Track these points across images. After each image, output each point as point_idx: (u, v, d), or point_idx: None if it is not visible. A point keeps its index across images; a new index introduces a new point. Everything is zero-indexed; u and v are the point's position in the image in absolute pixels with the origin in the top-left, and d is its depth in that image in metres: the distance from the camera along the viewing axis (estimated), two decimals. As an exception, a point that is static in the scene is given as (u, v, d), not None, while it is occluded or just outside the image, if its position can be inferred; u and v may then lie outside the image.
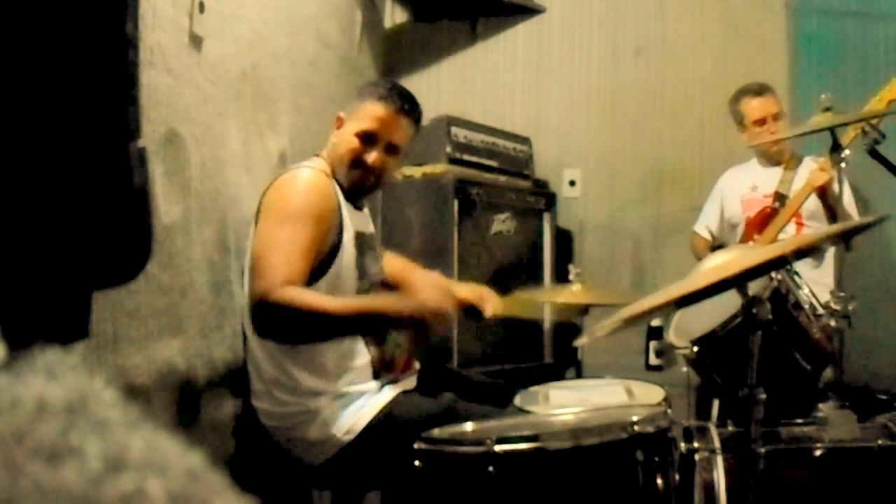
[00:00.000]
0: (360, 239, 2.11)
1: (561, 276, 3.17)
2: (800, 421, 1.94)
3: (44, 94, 0.58)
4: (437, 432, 1.67)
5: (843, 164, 2.51)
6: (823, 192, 2.97)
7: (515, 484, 1.52)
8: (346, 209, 2.09)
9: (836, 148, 2.53)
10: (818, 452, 1.83)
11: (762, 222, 3.24)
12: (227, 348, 2.05)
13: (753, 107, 3.28)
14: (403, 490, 1.90)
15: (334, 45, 3.13)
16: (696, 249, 3.44)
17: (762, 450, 1.61)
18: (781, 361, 2.10)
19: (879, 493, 1.80)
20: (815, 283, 2.43)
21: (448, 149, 3.46)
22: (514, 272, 3.52)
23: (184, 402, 1.83)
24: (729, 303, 1.90)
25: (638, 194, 4.07)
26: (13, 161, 0.57)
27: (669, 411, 1.73)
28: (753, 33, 4.00)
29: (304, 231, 1.93)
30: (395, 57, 4.17)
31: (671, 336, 2.35)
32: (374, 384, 2.08)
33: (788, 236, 3.10)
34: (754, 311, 1.57)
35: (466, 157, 3.54)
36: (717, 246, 3.30)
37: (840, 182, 2.60)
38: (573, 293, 2.48)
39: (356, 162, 2.07)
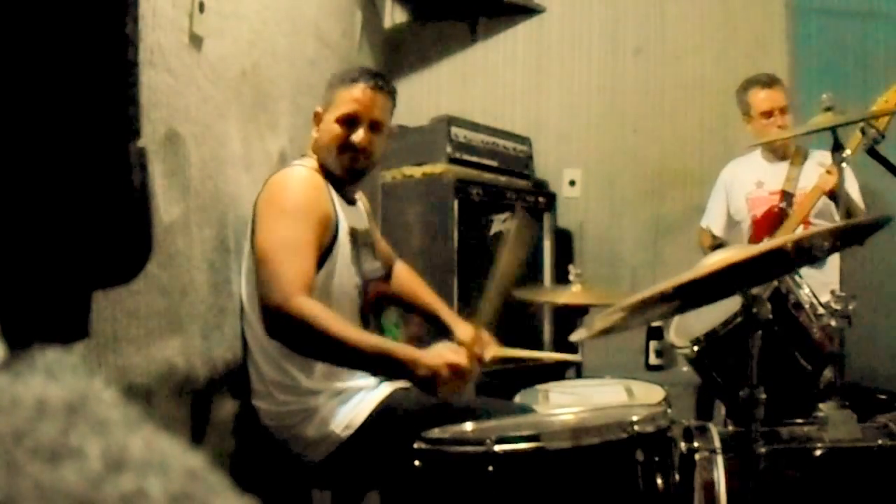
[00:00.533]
0: (354, 235, 2.12)
1: (561, 277, 3.18)
2: (800, 421, 1.94)
3: (43, 94, 0.58)
4: (437, 432, 1.67)
5: (843, 164, 2.51)
6: (833, 195, 2.95)
7: (515, 484, 1.52)
8: (340, 205, 2.09)
9: (836, 148, 2.53)
10: (818, 452, 1.83)
11: (770, 223, 3.23)
12: (227, 348, 2.05)
13: (761, 98, 3.27)
14: (403, 490, 1.90)
15: (334, 45, 3.13)
16: (703, 245, 3.43)
17: (762, 450, 1.61)
18: (782, 361, 2.10)
19: (879, 493, 1.80)
20: (819, 283, 2.43)
21: (448, 149, 3.46)
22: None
23: (184, 402, 1.83)
24: (729, 303, 1.91)
25: (638, 194, 4.07)
26: (12, 161, 0.57)
27: (669, 411, 1.74)
28: (753, 33, 3.99)
29: (307, 227, 1.94)
30: (395, 57, 4.17)
31: (671, 336, 2.35)
32: (372, 380, 2.10)
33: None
34: (754, 310, 1.57)
35: (466, 157, 3.54)
36: (717, 245, 3.30)
37: (842, 182, 2.60)
38: (573, 293, 2.48)
39: (344, 146, 2.08)
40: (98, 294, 0.68)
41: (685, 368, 2.34)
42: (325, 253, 2.01)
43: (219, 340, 2.01)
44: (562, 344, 3.57)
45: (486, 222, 3.46)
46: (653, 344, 3.44)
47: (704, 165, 3.87)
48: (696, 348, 2.17)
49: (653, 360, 3.45)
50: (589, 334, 1.89)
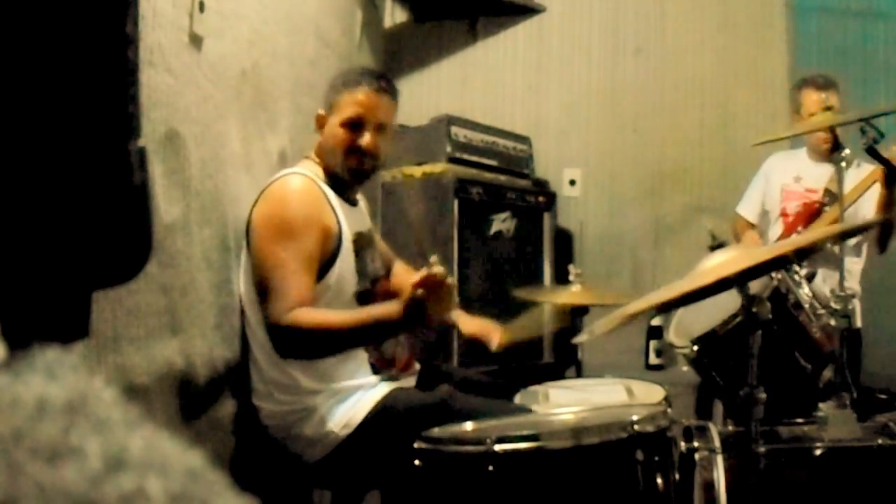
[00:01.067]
0: (359, 239, 2.12)
1: (561, 277, 3.17)
2: (800, 421, 1.94)
3: (44, 94, 0.58)
4: (436, 431, 1.67)
5: (843, 164, 2.51)
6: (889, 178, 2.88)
7: (515, 483, 1.52)
8: (341, 210, 2.10)
9: (836, 148, 2.53)
10: (818, 452, 1.83)
11: (808, 217, 3.23)
12: (227, 348, 2.05)
13: (813, 100, 3.26)
14: (403, 489, 1.91)
15: (334, 44, 3.13)
16: (738, 231, 3.42)
17: (762, 449, 1.61)
18: (781, 361, 2.10)
19: (879, 493, 1.80)
20: (848, 269, 2.46)
21: (448, 148, 3.46)
22: (514, 272, 3.52)
23: (184, 402, 1.83)
24: (729, 302, 1.91)
25: (638, 194, 4.07)
26: (13, 160, 0.57)
27: (669, 410, 1.74)
28: (753, 33, 3.99)
29: (304, 243, 1.97)
30: (395, 57, 4.17)
31: (671, 335, 2.35)
32: (372, 379, 2.10)
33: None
34: (754, 310, 1.57)
35: (466, 157, 3.54)
36: (717, 245, 3.30)
37: (841, 182, 2.60)
38: (573, 293, 2.48)
39: (350, 149, 2.09)
40: (98, 294, 0.68)
41: (685, 368, 2.33)
42: (328, 262, 2.03)
43: (219, 340, 2.01)
44: (562, 350, 3.58)
45: (486, 222, 3.46)
46: (653, 344, 3.44)
47: (704, 165, 3.88)
48: (695, 348, 2.17)
49: (653, 359, 3.45)
50: (590, 337, 1.89)
